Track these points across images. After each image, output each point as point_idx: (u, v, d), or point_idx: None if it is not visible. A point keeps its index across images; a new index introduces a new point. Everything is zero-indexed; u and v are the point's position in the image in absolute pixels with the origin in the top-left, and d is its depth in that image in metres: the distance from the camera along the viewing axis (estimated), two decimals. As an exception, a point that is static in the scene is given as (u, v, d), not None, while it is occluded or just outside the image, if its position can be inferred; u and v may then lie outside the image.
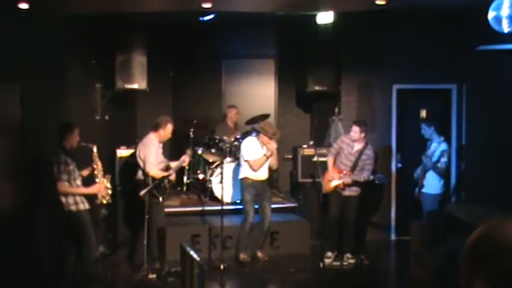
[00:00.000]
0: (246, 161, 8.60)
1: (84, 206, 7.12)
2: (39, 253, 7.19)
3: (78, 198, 7.09)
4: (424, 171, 8.81)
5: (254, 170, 8.52)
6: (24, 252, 6.79)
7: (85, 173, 7.39)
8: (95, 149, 7.42)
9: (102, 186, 7.34)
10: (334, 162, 8.70)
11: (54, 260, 7.41)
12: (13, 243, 6.66)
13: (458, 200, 10.05)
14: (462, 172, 10.12)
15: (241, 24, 10.45)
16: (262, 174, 8.58)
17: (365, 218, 9.69)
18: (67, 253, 7.31)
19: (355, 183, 8.52)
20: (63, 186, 6.97)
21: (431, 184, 8.79)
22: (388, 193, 10.20)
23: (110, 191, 7.44)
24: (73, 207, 7.04)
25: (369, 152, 8.57)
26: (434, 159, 8.68)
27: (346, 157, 8.60)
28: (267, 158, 8.47)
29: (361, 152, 8.54)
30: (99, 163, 7.45)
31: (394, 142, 10.22)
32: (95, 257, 7.45)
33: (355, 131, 8.49)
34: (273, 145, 8.45)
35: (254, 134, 8.78)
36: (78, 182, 7.18)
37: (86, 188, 7.19)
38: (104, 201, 7.35)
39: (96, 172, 7.39)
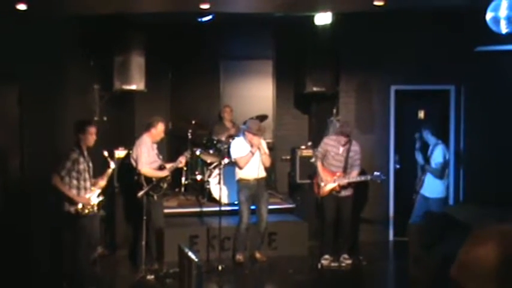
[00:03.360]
0: (233, 160, 8.64)
1: (83, 210, 7.08)
2: (34, 254, 7.18)
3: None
4: (423, 174, 8.78)
5: (240, 168, 8.58)
6: (20, 253, 6.78)
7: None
8: (112, 166, 7.42)
9: (90, 201, 7.18)
10: (322, 165, 8.70)
11: (50, 261, 7.41)
12: (9, 244, 6.65)
13: (456, 200, 10.05)
14: (460, 173, 10.11)
15: (240, 25, 10.46)
16: (254, 173, 8.57)
17: (361, 218, 9.70)
18: (64, 255, 7.32)
19: (349, 183, 8.54)
20: (56, 180, 6.93)
21: (436, 188, 8.75)
22: (386, 194, 10.20)
23: (92, 208, 7.20)
24: (71, 209, 7.02)
25: (355, 148, 8.59)
26: (433, 164, 8.66)
27: (334, 158, 8.59)
28: (252, 154, 8.49)
29: (348, 150, 8.55)
30: (104, 182, 7.41)
31: (392, 143, 10.21)
32: (85, 265, 7.39)
33: (344, 141, 8.49)
34: (257, 140, 8.46)
35: (241, 134, 8.81)
36: (88, 183, 7.15)
37: (75, 194, 7.05)
38: (86, 211, 7.13)
39: (96, 186, 7.33)
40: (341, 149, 8.55)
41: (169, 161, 8.56)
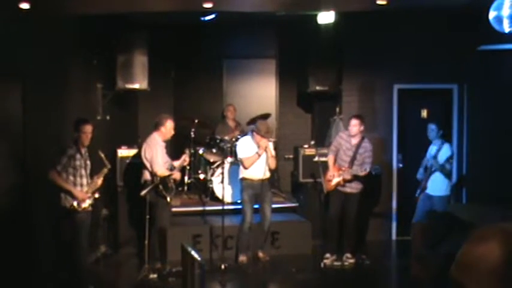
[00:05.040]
0: (239, 159, 8.65)
1: (79, 205, 7.10)
2: (36, 251, 7.20)
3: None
4: (429, 174, 8.72)
5: (245, 168, 8.55)
6: (22, 251, 6.79)
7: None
8: (107, 167, 7.43)
9: (86, 197, 7.15)
10: (335, 161, 8.71)
11: (52, 259, 7.42)
12: (11, 241, 6.66)
13: (459, 200, 10.04)
14: (463, 172, 10.11)
15: (243, 24, 10.46)
16: (259, 174, 8.55)
17: (364, 217, 9.70)
18: (62, 252, 7.33)
19: (355, 178, 8.52)
20: (53, 174, 6.96)
21: (440, 187, 8.70)
22: (389, 193, 10.20)
23: (86, 205, 7.19)
24: (67, 204, 7.03)
25: (366, 144, 8.57)
26: (441, 161, 8.60)
27: (344, 153, 8.60)
28: (259, 155, 8.48)
29: (358, 146, 8.54)
30: (100, 181, 7.42)
31: (395, 142, 10.21)
32: (85, 261, 7.40)
33: (355, 123, 8.48)
34: (264, 142, 8.45)
35: (250, 133, 8.80)
36: (84, 180, 7.17)
37: (71, 187, 7.06)
38: (75, 205, 7.07)
39: (92, 184, 7.33)
40: (352, 143, 8.54)
41: (172, 159, 8.53)
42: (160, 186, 7.88)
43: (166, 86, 11.16)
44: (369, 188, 9.00)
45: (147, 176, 8.04)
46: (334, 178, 8.60)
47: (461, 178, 10.09)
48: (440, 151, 8.59)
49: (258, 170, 8.54)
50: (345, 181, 8.55)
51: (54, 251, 7.45)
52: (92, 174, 7.34)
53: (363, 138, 8.60)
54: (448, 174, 8.69)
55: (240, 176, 8.69)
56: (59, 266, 7.42)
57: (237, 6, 8.24)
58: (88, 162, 7.24)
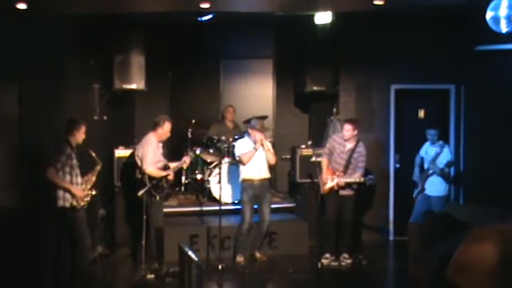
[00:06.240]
0: (237, 157, 8.66)
1: (79, 203, 7.10)
2: (37, 252, 7.19)
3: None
4: (426, 176, 8.72)
5: (243, 164, 8.58)
6: (22, 251, 6.78)
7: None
8: (99, 164, 7.43)
9: (84, 195, 7.21)
10: (329, 163, 8.71)
11: (52, 259, 7.42)
12: (12, 242, 6.66)
13: (456, 200, 10.05)
14: (460, 172, 10.11)
15: (240, 24, 10.44)
16: (258, 172, 8.58)
17: (361, 217, 9.70)
18: (64, 252, 7.32)
19: (348, 185, 8.54)
20: (52, 172, 6.96)
21: (438, 187, 8.72)
22: (386, 193, 10.20)
23: (84, 202, 7.24)
24: (67, 204, 7.03)
25: (360, 149, 8.58)
26: (440, 165, 8.61)
27: (339, 156, 8.61)
28: (256, 150, 8.50)
29: (353, 151, 8.55)
30: (93, 178, 7.42)
31: (392, 142, 10.21)
32: (89, 258, 7.42)
33: (348, 129, 8.51)
34: (259, 136, 8.46)
35: (247, 134, 8.83)
36: (79, 179, 7.19)
37: (70, 185, 7.09)
38: (75, 203, 7.10)
39: (87, 182, 7.34)
40: (346, 147, 8.55)
41: (169, 160, 8.54)
42: (148, 183, 7.89)
43: (164, 86, 11.14)
44: (366, 189, 9.00)
45: (137, 174, 8.09)
46: (328, 182, 8.59)
47: (459, 178, 10.10)
48: (440, 155, 8.61)
49: (257, 168, 8.56)
50: (339, 187, 8.56)
51: (55, 251, 7.43)
52: (82, 173, 7.34)
53: (357, 142, 8.60)
54: (446, 177, 8.72)
55: (241, 177, 8.70)
56: (61, 265, 7.41)
57: (234, 6, 8.25)
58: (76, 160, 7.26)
